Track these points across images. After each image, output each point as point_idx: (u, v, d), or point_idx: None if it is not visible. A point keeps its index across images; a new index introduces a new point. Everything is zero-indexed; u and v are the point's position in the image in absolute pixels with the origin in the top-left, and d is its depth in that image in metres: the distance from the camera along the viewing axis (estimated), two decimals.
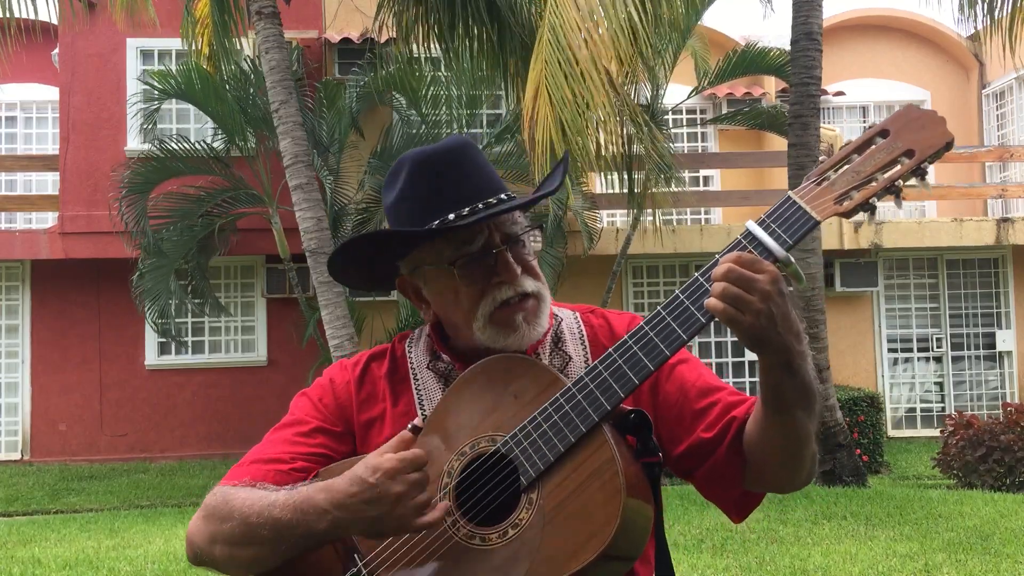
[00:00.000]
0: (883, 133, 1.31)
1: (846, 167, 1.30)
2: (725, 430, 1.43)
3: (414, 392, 1.51)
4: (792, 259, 1.26)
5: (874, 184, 1.29)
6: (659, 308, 1.31)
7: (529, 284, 1.45)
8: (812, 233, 1.29)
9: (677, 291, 1.30)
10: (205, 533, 1.40)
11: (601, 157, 6.90)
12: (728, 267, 1.22)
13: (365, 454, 1.46)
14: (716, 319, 1.25)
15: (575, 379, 1.34)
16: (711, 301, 1.24)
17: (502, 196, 1.45)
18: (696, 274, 1.29)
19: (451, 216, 1.42)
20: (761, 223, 1.28)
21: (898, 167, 1.29)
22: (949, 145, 1.29)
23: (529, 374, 1.39)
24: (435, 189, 1.44)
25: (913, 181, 1.31)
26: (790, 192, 1.30)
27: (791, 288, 1.25)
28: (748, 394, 1.47)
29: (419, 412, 1.49)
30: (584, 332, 1.55)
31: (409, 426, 1.32)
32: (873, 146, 1.31)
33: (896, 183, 1.29)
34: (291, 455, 1.47)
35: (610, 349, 1.33)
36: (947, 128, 1.29)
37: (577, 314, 1.59)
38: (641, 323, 1.33)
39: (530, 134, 6.50)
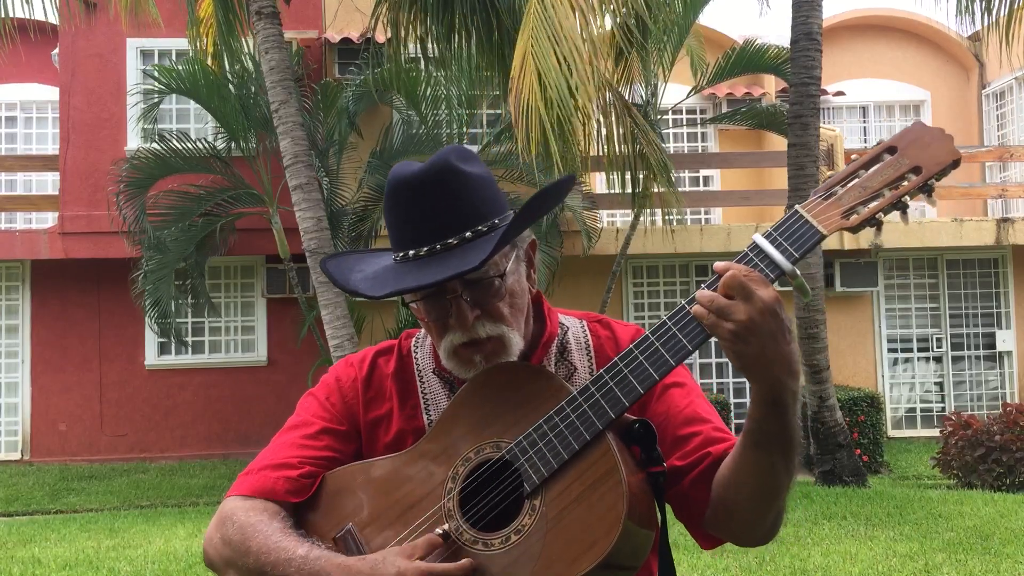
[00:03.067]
0: (891, 149, 1.32)
1: (854, 182, 1.32)
2: (697, 463, 1.42)
3: (420, 394, 1.52)
4: (798, 272, 1.27)
5: (881, 200, 1.30)
6: (665, 319, 1.32)
7: (485, 329, 1.41)
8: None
9: (683, 302, 1.30)
10: (221, 556, 1.41)
11: (588, 142, 6.83)
12: (731, 274, 1.23)
13: (371, 455, 1.48)
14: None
15: (580, 388, 1.34)
16: (695, 308, 1.25)
17: (467, 235, 1.38)
18: (703, 286, 1.30)
19: (411, 253, 1.40)
20: (768, 236, 1.29)
21: (905, 183, 1.30)
22: (956, 163, 1.30)
23: (535, 382, 1.39)
24: (403, 218, 1.42)
25: (920, 197, 1.32)
26: (797, 206, 1.31)
27: (803, 300, 1.26)
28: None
29: (424, 415, 1.49)
30: (590, 342, 1.54)
31: (438, 531, 1.32)
32: (881, 162, 1.32)
33: (903, 199, 1.30)
34: (299, 459, 1.47)
35: (615, 359, 1.34)
36: (954, 146, 1.30)
37: (584, 323, 1.57)
38: (646, 333, 1.33)
39: (516, 104, 6.48)
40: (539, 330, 1.52)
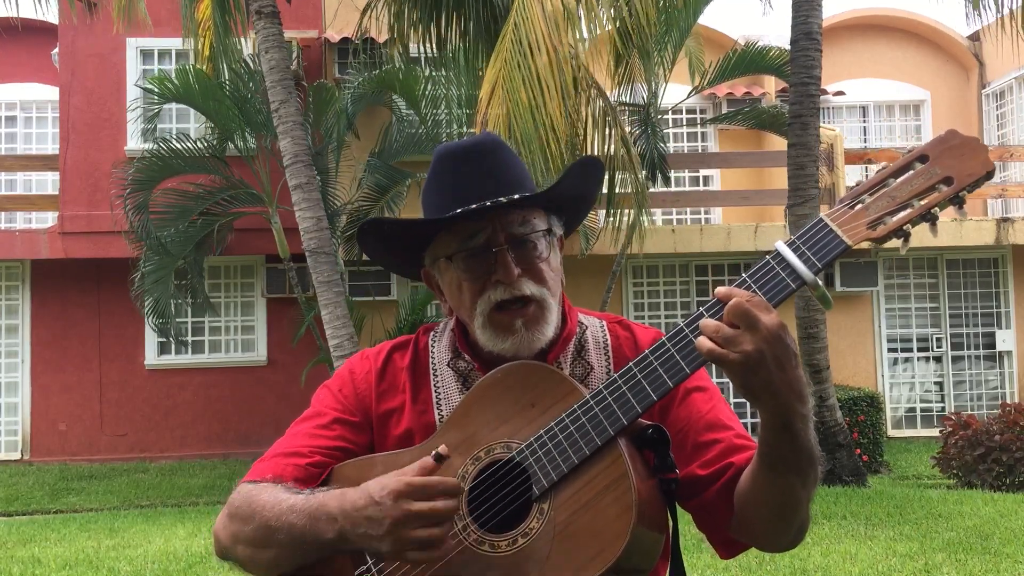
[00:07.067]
0: (922, 158, 1.27)
1: (882, 191, 1.27)
2: (720, 473, 1.41)
3: (432, 389, 1.51)
4: (820, 283, 1.24)
5: (909, 211, 1.25)
6: (681, 324, 1.29)
7: (528, 287, 1.42)
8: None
9: (702, 308, 1.28)
10: (229, 532, 1.41)
11: (551, 164, 6.80)
12: (734, 303, 1.20)
13: (383, 449, 1.49)
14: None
15: (594, 391, 1.33)
16: (700, 340, 1.22)
17: (515, 197, 1.43)
18: (703, 310, 1.27)
19: (459, 211, 1.41)
20: (791, 245, 1.25)
21: (935, 194, 1.25)
22: (990, 174, 1.25)
23: (548, 383, 1.38)
24: (451, 183, 1.45)
25: (950, 209, 1.27)
26: (822, 215, 1.27)
27: (821, 305, 1.23)
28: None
29: (436, 410, 1.49)
30: (609, 342, 1.53)
31: (433, 454, 1.30)
32: (911, 171, 1.27)
33: (932, 211, 1.25)
34: (310, 448, 1.48)
35: (631, 363, 1.32)
36: (989, 156, 1.25)
37: (604, 323, 1.57)
38: (663, 339, 1.31)
39: (480, 126, 6.47)
40: (560, 326, 1.51)
